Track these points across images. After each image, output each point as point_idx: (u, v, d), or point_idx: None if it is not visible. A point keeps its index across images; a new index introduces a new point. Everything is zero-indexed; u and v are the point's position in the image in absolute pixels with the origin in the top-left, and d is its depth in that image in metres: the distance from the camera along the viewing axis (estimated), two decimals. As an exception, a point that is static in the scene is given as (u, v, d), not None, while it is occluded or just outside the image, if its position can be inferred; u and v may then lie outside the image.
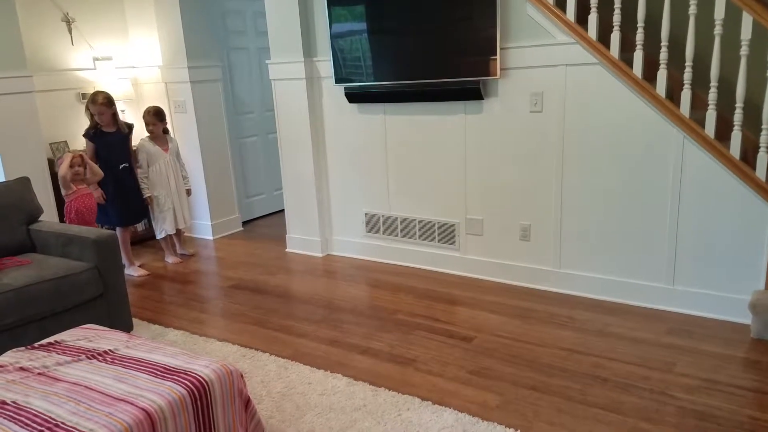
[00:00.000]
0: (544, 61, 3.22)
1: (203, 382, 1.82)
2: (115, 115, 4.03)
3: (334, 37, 3.83)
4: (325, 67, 3.99)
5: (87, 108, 3.97)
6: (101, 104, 3.90)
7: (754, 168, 2.82)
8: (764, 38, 2.68)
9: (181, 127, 4.82)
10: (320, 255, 4.35)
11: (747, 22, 2.70)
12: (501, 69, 3.32)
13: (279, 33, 4.09)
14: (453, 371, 2.64)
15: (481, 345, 2.87)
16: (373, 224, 4.14)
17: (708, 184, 2.92)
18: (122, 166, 4.07)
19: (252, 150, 5.38)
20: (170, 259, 4.40)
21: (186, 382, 1.80)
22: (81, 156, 3.67)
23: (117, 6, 4.80)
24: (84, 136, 4.00)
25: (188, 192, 4.49)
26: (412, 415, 2.29)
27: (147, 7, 4.69)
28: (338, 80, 3.90)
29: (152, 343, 2.10)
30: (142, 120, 4.28)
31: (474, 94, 3.44)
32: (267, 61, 4.24)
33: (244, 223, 5.29)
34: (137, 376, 1.83)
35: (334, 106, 4.07)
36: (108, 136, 3.99)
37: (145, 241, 4.88)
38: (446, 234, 3.84)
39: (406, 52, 3.62)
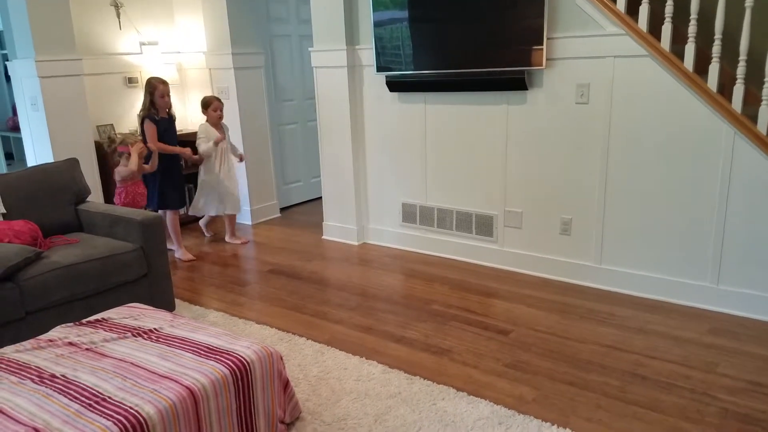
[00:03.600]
0: (591, 52, 3.15)
1: (245, 362, 1.86)
2: None
3: (377, 25, 3.82)
4: (367, 55, 3.99)
5: (149, 90, 3.91)
6: (167, 86, 3.95)
7: (810, 166, 2.72)
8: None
9: (224, 113, 4.88)
10: (356, 243, 4.38)
11: (808, 14, 2.59)
12: (547, 59, 3.26)
13: (322, 20, 4.11)
14: (488, 363, 2.63)
15: (517, 338, 2.85)
16: (409, 214, 4.14)
17: (758, 182, 2.82)
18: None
19: (291, 137, 5.43)
20: (231, 239, 4.53)
21: (228, 361, 1.84)
22: (147, 147, 3.79)
23: (164, -8, 4.89)
24: (147, 118, 3.92)
25: (240, 158, 4.52)
26: (447, 404, 2.30)
27: (193, -7, 4.76)
28: (380, 68, 3.90)
29: (195, 323, 2.15)
30: (204, 106, 4.27)
31: (518, 84, 3.40)
32: (309, 49, 4.26)
33: (282, 209, 5.35)
34: (181, 354, 1.88)
35: (374, 94, 4.07)
36: (163, 121, 4.00)
37: (187, 223, 4.99)
38: (484, 226, 3.81)
39: (449, 41, 3.59)
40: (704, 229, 3.02)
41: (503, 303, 3.27)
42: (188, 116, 5.15)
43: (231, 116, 4.83)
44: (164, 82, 3.95)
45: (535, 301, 3.28)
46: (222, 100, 4.33)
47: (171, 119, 4.12)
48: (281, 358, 2.02)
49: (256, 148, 4.96)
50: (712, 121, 2.88)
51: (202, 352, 1.87)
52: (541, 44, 3.21)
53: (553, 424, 2.16)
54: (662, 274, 3.18)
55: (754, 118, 2.81)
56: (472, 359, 2.67)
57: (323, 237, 4.56)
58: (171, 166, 4.10)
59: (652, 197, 3.14)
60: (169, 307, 3.14)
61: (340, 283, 3.65)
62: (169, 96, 4.00)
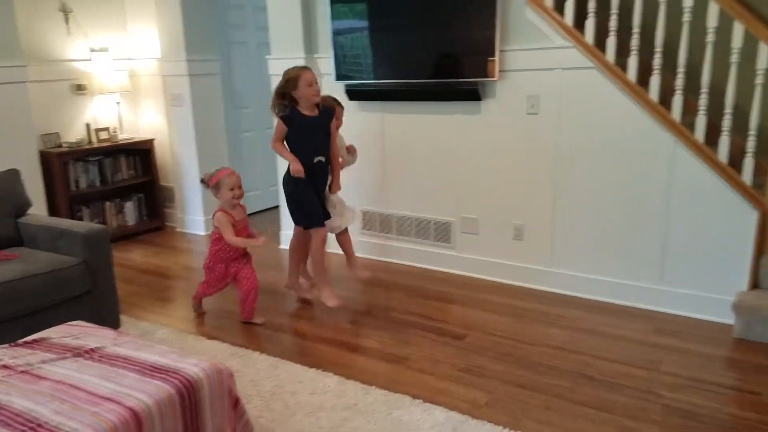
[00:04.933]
0: (541, 65, 3.24)
1: (192, 381, 1.82)
2: None
3: (336, 34, 3.83)
4: (326, 63, 3.99)
5: (287, 80, 3.04)
6: (312, 74, 3.07)
7: (740, 172, 2.86)
8: (754, 46, 2.71)
9: (178, 121, 4.81)
10: (314, 251, 4.35)
11: (738, 30, 2.74)
12: (499, 71, 3.34)
13: (280, 28, 4.09)
14: (444, 369, 2.67)
15: (472, 343, 2.90)
16: (369, 222, 4.16)
17: (697, 188, 2.96)
18: (317, 159, 3.15)
19: (249, 145, 5.38)
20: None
21: (174, 380, 1.79)
22: (239, 176, 3.11)
23: (114, -3, 4.79)
24: (281, 116, 3.09)
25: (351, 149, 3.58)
26: (403, 413, 2.32)
27: (147, -1, 4.67)
28: (339, 77, 3.91)
29: (140, 341, 2.09)
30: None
31: (472, 95, 3.46)
32: (267, 57, 4.24)
33: (239, 218, 5.27)
34: (124, 374, 1.81)
35: (332, 103, 4.07)
36: (306, 119, 3.11)
37: (136, 235, 4.87)
38: (442, 232, 3.86)
39: (406, 52, 3.63)
40: (648, 233, 3.14)
41: (460, 308, 3.32)
42: (141, 124, 5.04)
43: (185, 123, 4.76)
44: (306, 69, 3.08)
45: (490, 305, 3.34)
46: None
47: (320, 118, 3.14)
48: (231, 375, 1.99)
49: (212, 156, 4.89)
50: (654, 130, 3.01)
51: (147, 372, 1.82)
52: (494, 56, 3.29)
53: (505, 428, 2.20)
54: (609, 276, 3.29)
55: (692, 127, 2.94)
56: (428, 366, 2.70)
57: (281, 246, 4.52)
58: (305, 179, 3.15)
59: (600, 203, 3.24)
60: (115, 325, 3.02)
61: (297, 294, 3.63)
62: (317, 83, 3.10)
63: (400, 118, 3.84)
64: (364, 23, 3.73)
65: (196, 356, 1.98)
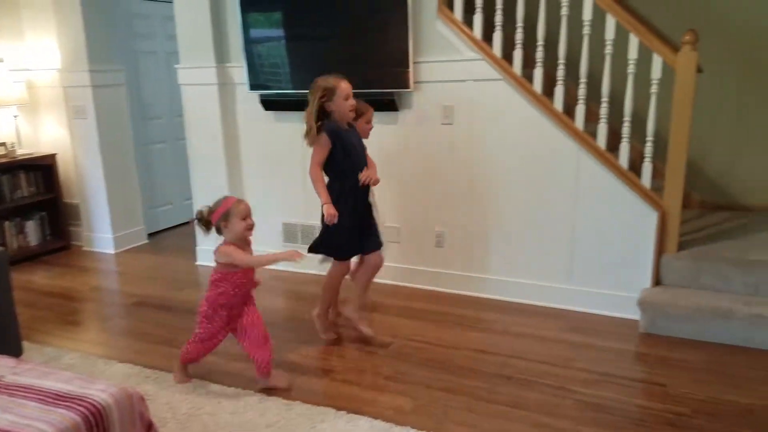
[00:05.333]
0: (453, 76, 3.33)
1: (99, 407, 1.71)
2: None
3: (249, 43, 3.77)
4: (239, 73, 3.91)
5: (325, 90, 2.70)
6: (349, 85, 2.74)
7: (640, 176, 3.07)
8: (648, 57, 2.91)
9: (80, 134, 4.55)
10: (233, 266, 4.23)
11: (633, 43, 2.93)
12: (414, 82, 3.40)
13: (189, 37, 3.97)
14: (369, 379, 2.66)
15: (397, 350, 2.91)
16: (291, 234, 4.09)
17: (600, 192, 3.13)
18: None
19: (160, 157, 5.16)
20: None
21: (80, 408, 1.68)
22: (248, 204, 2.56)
23: (11, 4, 4.46)
24: (324, 131, 2.72)
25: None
26: (327, 426, 2.28)
27: (45, 8, 4.39)
28: (253, 87, 3.84)
29: (43, 368, 1.95)
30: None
31: (389, 105, 3.50)
32: (176, 66, 4.10)
33: (151, 235, 5.05)
34: (25, 404, 1.69)
35: (248, 113, 4.00)
36: (346, 134, 2.80)
37: (40, 256, 4.54)
38: (362, 242, 3.86)
39: (324, 62, 3.61)
40: (558, 235, 3.29)
41: (384, 317, 3.33)
42: (41, 138, 4.72)
43: (89, 136, 4.51)
44: (342, 79, 2.75)
45: (413, 312, 3.37)
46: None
47: (358, 132, 2.90)
48: (143, 399, 1.89)
49: (119, 169, 4.65)
50: (560, 138, 3.16)
51: (50, 400, 1.70)
52: (408, 68, 3.35)
53: (428, 433, 2.23)
54: (524, 278, 3.42)
55: (594, 135, 3.12)
56: (353, 376, 2.68)
57: (197, 263, 4.36)
58: (350, 200, 2.85)
59: (514, 209, 3.37)
60: (16, 352, 2.78)
61: (216, 310, 3.51)
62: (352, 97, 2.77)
63: (318, 128, 3.82)
64: (281, 32, 3.69)
65: (104, 381, 1.87)
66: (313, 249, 2.99)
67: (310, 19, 3.58)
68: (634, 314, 3.10)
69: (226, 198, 2.53)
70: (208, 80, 3.96)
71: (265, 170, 4.06)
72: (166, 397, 2.53)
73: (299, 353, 2.92)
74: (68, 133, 4.61)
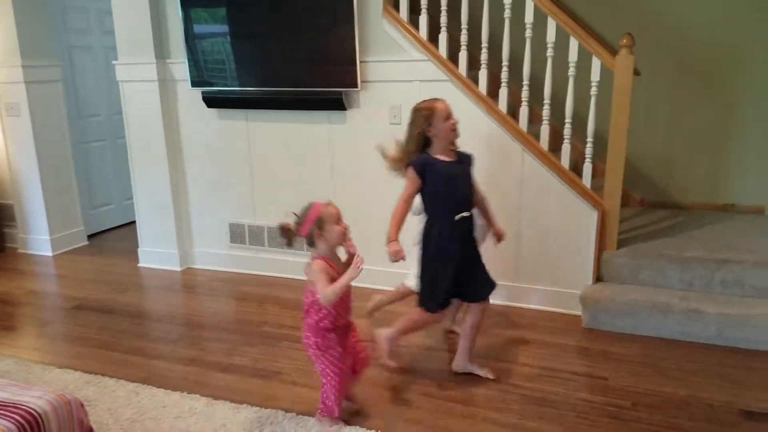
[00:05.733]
0: (400, 76, 3.35)
1: (35, 415, 1.64)
2: None
3: (190, 39, 3.67)
4: (180, 69, 3.81)
5: (422, 117, 2.40)
6: (446, 104, 2.43)
7: (581, 176, 3.17)
8: (588, 60, 3.00)
9: (14, 132, 4.33)
10: (179, 269, 4.13)
11: (573, 46, 3.02)
12: (362, 81, 3.39)
13: (127, 32, 3.84)
14: (318, 379, 2.62)
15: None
16: (237, 234, 4.02)
17: (544, 192, 3.22)
18: (461, 216, 2.45)
19: (99, 156, 4.97)
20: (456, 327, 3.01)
21: (15, 416, 1.61)
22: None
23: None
24: (411, 164, 2.42)
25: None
26: (275, 429, 2.26)
27: (-30, -2, 4.16)
28: (195, 84, 3.75)
29: (-26, 377, 1.85)
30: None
31: (337, 104, 3.49)
32: (114, 62, 3.96)
33: (91, 236, 4.86)
34: (-47, 416, 1.60)
35: (191, 110, 3.90)
36: (442, 166, 2.43)
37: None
38: (312, 242, 3.83)
39: (271, 59, 3.57)
40: (507, 235, 3.34)
41: (332, 318, 3.31)
42: (-32, 136, 4.47)
43: (23, 135, 4.30)
44: (439, 106, 2.42)
45: (364, 312, 3.36)
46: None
47: (462, 163, 2.50)
48: (82, 405, 1.82)
49: (55, 169, 4.46)
50: (505, 139, 3.23)
51: (-20, 411, 1.62)
52: (355, 67, 3.34)
53: (377, 431, 2.23)
54: (473, 277, 3.47)
55: (538, 136, 3.20)
56: (302, 378, 2.66)
57: (140, 264, 4.23)
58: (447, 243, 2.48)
59: (461, 208, 3.41)
60: (-56, 361, 2.66)
61: (160, 314, 3.42)
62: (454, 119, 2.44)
63: (266, 126, 3.77)
64: (225, 28, 3.62)
65: (41, 388, 1.80)
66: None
67: (255, 15, 3.52)
68: (577, 310, 3.20)
69: (312, 204, 2.21)
70: (148, 77, 3.84)
71: (209, 169, 3.97)
72: (107, 402, 2.45)
73: (246, 355, 2.88)
74: (0, 132, 4.38)
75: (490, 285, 2.58)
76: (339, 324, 2.20)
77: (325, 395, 2.24)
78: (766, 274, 2.93)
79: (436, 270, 2.45)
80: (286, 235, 2.19)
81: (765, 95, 3.62)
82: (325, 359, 2.19)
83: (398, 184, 3.49)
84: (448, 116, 2.39)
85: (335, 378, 2.19)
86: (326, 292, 2.07)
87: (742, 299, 2.93)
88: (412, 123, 2.44)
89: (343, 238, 2.20)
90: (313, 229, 2.17)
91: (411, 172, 2.41)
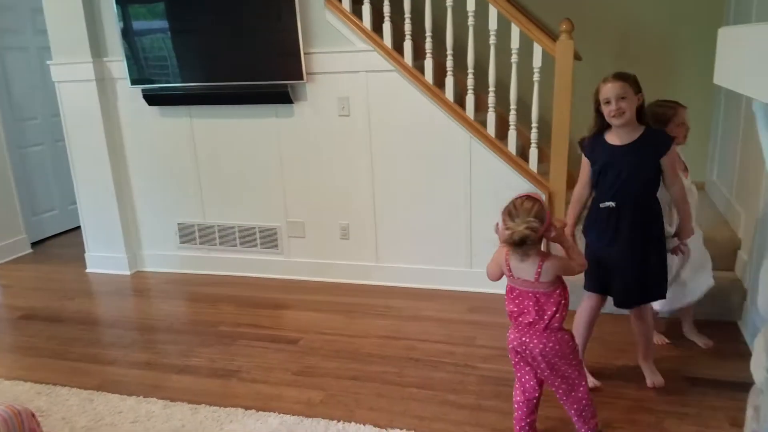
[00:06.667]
0: (346, 67, 3.35)
1: (-18, 430, 1.58)
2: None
3: (128, 36, 3.56)
4: (119, 67, 3.69)
5: (595, 97, 2.21)
6: (612, 83, 2.15)
7: (528, 161, 3.25)
8: (530, 47, 3.06)
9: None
10: (128, 273, 4.02)
11: (515, 32, 3.08)
12: (308, 73, 3.37)
13: (61, 31, 3.69)
14: (278, 375, 2.64)
15: (306, 345, 2.90)
16: (187, 234, 3.94)
17: (492, 177, 3.28)
18: (606, 204, 2.24)
19: (38, 160, 4.77)
20: (701, 341, 2.73)
21: (-41, 433, 1.55)
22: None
23: None
24: (579, 142, 2.34)
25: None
26: (236, 426, 2.25)
27: None
28: (134, 82, 3.64)
29: None
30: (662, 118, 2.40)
31: (283, 97, 3.45)
32: (48, 62, 3.80)
33: (34, 243, 4.67)
34: None
35: (132, 109, 3.79)
36: (610, 148, 2.23)
37: None
38: (268, 238, 3.80)
39: (213, 53, 3.50)
40: (457, 220, 3.41)
41: (292, 312, 3.30)
42: None
43: (-47, 141, 4.08)
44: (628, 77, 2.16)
45: (321, 305, 3.37)
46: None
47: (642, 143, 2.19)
48: (33, 415, 1.77)
49: (-7, 176, 4.27)
50: (453, 127, 3.27)
51: None
52: (300, 58, 3.31)
53: (339, 421, 2.25)
54: (428, 264, 3.52)
55: (485, 123, 3.25)
56: (261, 374, 2.65)
57: (88, 270, 4.10)
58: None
59: (414, 197, 3.45)
60: None
61: (112, 320, 3.33)
62: (621, 99, 2.13)
63: (210, 122, 3.70)
64: (165, 24, 3.52)
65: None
66: None
67: (195, 9, 3.45)
68: (528, 290, 3.28)
69: (531, 197, 1.96)
70: (85, 76, 3.71)
71: (154, 169, 3.88)
72: (61, 412, 2.39)
73: (202, 356, 2.84)
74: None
75: (630, 298, 2.32)
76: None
77: (587, 404, 2.01)
78: (708, 247, 3.03)
79: (587, 248, 2.35)
80: (534, 240, 1.88)
81: (699, 77, 3.76)
82: (579, 362, 2.02)
83: (346, 175, 3.52)
84: (607, 100, 2.15)
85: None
86: (577, 252, 2.01)
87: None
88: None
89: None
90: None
91: (583, 155, 2.31)
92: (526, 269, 1.93)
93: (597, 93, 2.18)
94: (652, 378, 2.41)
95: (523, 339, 1.96)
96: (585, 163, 2.29)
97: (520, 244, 1.85)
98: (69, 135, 3.90)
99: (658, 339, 2.75)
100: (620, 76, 2.14)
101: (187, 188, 3.85)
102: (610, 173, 2.20)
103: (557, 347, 1.93)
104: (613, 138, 2.21)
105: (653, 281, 2.28)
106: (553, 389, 2.00)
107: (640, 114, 2.18)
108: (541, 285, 1.93)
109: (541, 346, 1.93)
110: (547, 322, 1.93)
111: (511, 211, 1.92)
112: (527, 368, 2.02)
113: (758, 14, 2.83)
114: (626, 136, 2.18)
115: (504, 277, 2.07)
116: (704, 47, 3.37)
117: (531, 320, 1.94)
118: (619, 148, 2.19)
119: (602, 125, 2.22)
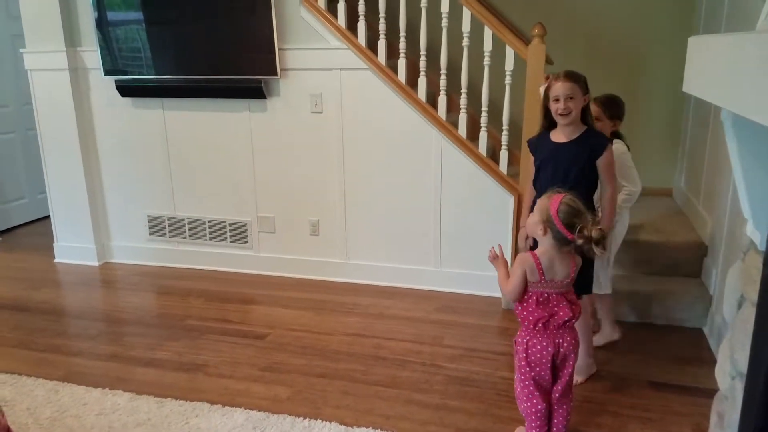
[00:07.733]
0: (320, 65, 3.36)
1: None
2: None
3: (102, 26, 3.53)
4: (92, 57, 3.65)
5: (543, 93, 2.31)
6: (562, 81, 2.21)
7: (498, 163, 3.30)
8: (503, 50, 3.10)
9: None
10: (96, 264, 3.99)
11: (488, 35, 3.12)
12: (281, 69, 3.38)
13: (35, 18, 3.64)
14: (245, 370, 2.65)
15: (274, 341, 2.92)
16: (157, 227, 3.92)
17: (463, 178, 3.33)
18: None
19: (8, 149, 4.70)
20: (616, 335, 2.82)
21: None
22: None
23: None
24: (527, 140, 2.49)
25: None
26: (201, 421, 2.26)
27: None
28: (107, 72, 3.61)
29: None
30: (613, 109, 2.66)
31: (256, 92, 3.46)
32: (21, 50, 3.74)
33: (2, 232, 4.61)
34: None
35: (104, 100, 3.75)
36: (551, 145, 2.32)
37: None
38: (238, 233, 3.80)
39: (188, 46, 3.49)
40: (426, 220, 3.45)
41: (261, 308, 3.32)
42: None
43: None
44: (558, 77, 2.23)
45: (290, 301, 3.39)
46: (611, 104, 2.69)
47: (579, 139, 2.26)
48: (-6, 408, 1.77)
49: (-41, 163, 4.19)
50: (424, 127, 3.31)
51: None
52: (274, 54, 3.32)
53: (305, 418, 2.27)
54: (397, 263, 3.56)
55: (456, 124, 3.30)
56: (227, 369, 2.66)
57: (56, 260, 4.06)
58: None
59: (384, 195, 3.48)
60: None
61: (79, 311, 3.31)
62: (569, 98, 2.20)
63: (183, 115, 3.68)
64: (139, 14, 3.49)
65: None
66: None
67: (171, 0, 3.43)
68: (496, 292, 3.31)
69: (556, 197, 1.88)
70: (58, 65, 3.67)
71: (125, 160, 3.85)
72: (26, 402, 2.38)
73: (169, 349, 2.84)
74: None
75: (583, 287, 2.30)
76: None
77: (571, 407, 2.03)
78: (675, 253, 3.14)
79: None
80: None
81: (669, 85, 3.84)
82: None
83: (317, 172, 3.54)
84: (556, 97, 2.21)
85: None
86: None
87: (650, 277, 3.14)
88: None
89: None
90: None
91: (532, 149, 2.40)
92: (561, 269, 1.91)
93: (547, 89, 2.24)
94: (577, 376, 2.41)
95: (557, 341, 1.91)
96: (532, 160, 2.40)
97: (602, 241, 1.82)
98: (40, 124, 3.85)
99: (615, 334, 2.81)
100: (571, 77, 2.21)
101: (157, 180, 3.83)
102: (548, 169, 2.28)
103: (578, 337, 1.99)
104: (557, 136, 2.29)
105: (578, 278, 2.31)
106: (555, 394, 1.98)
107: (585, 114, 2.26)
108: (570, 281, 1.94)
109: (573, 341, 1.93)
110: (577, 314, 1.94)
111: (577, 212, 1.84)
112: (547, 377, 1.95)
113: (728, 24, 2.91)
114: (568, 135, 2.26)
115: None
116: (674, 56, 3.47)
117: (567, 318, 1.91)
118: (559, 145, 2.27)
119: (550, 123, 2.31)
